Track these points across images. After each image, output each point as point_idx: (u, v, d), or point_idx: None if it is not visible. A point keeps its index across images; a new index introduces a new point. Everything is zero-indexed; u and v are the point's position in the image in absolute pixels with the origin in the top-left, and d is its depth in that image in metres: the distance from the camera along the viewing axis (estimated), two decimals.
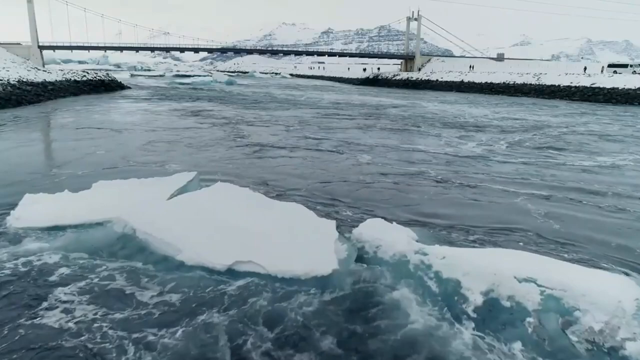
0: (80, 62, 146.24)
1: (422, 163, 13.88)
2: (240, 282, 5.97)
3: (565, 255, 6.89)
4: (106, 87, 47.66)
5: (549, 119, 28.01)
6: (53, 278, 6.39)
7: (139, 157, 14.24)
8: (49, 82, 39.29)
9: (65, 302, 5.76)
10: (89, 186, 8.87)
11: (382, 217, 7.55)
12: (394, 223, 7.22)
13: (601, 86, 43.59)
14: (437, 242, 6.81)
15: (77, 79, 45.00)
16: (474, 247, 6.81)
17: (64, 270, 6.56)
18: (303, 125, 22.70)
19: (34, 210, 8.13)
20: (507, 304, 5.15)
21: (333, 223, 6.71)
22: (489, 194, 10.54)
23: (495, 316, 5.14)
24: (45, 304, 5.70)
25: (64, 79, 42.87)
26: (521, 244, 7.37)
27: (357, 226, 7.12)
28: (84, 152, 14.93)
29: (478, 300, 5.32)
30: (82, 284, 6.24)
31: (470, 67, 68.25)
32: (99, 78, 48.56)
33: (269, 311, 5.27)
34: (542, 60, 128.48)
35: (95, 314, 5.35)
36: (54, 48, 63.26)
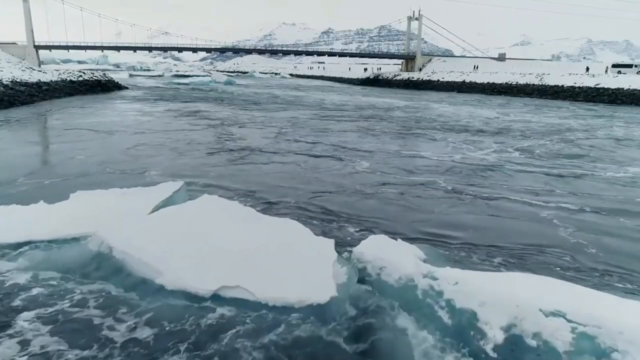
0: (79, 62, 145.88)
1: (429, 172, 12.80)
2: (226, 311, 5.27)
3: (600, 284, 6.09)
4: (103, 87, 46.91)
5: (561, 121, 26.96)
6: (18, 302, 5.72)
7: (123, 163, 13.48)
8: (44, 83, 38.55)
9: (25, 331, 5.11)
10: (67, 196, 8.19)
11: (386, 233, 6.84)
12: (399, 240, 6.53)
13: (605, 87, 42.87)
14: (448, 264, 6.10)
15: (73, 79, 44.26)
16: (491, 270, 6.05)
17: (31, 293, 5.90)
18: (300, 128, 21.81)
19: (5, 223, 7.44)
20: (533, 342, 4.43)
21: (331, 242, 6.00)
22: (508, 207, 9.51)
23: (519, 357, 4.43)
24: (3, 332, 5.05)
25: (59, 79, 42.14)
26: (547, 268, 6.54)
27: (357, 244, 6.41)
28: (67, 156, 14.21)
29: (498, 336, 4.59)
30: (48, 310, 5.56)
31: (474, 67, 67.35)
32: (95, 78, 47.82)
33: (255, 348, 4.57)
34: (544, 60, 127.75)
35: (55, 349, 4.67)
36: (50, 48, 62.48)
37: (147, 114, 26.77)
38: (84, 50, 71.81)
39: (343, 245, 6.72)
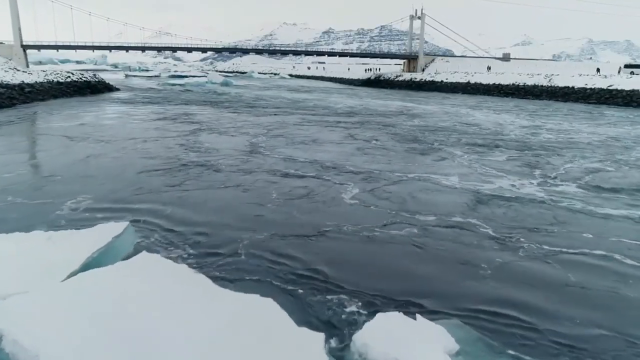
0: (77, 62, 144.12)
1: (454, 207, 9.46)
2: None
3: None
4: (92, 89, 44.90)
5: (599, 130, 22.77)
6: None
7: (64, 183, 11.04)
8: (27, 84, 36.55)
9: None
10: None
11: (400, 307, 4.83)
12: (419, 318, 4.51)
13: (619, 88, 40.77)
14: None
15: (60, 81, 42.26)
16: None
17: None
18: (283, 138, 18.94)
19: None
20: None
21: (319, 337, 3.98)
22: (594, 272, 6.48)
23: None
24: None
25: (45, 81, 40.11)
26: None
27: (359, 327, 4.40)
28: (2, 172, 12.00)
29: None
30: None
31: (487, 67, 64.68)
32: (84, 79, 45.82)
33: None
34: (549, 60, 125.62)
35: None
36: (38, 47, 60.36)
37: (126, 119, 24.87)
38: (74, 51, 69.77)
39: (338, 331, 4.67)
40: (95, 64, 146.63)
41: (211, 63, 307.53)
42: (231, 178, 11.76)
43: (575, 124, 25.51)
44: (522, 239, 7.71)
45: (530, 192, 10.84)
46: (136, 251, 6.81)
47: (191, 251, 6.76)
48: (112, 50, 75.66)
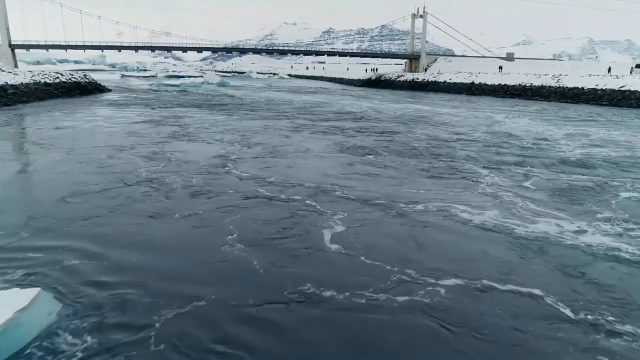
0: (76, 62, 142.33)
1: (491, 262, 6.96)
2: None
3: None
4: (82, 90, 43.16)
5: None
6: None
7: None
8: (11, 86, 34.78)
9: None
10: None
11: None
12: None
13: (632, 89, 38.86)
14: None
15: (48, 82, 40.48)
16: None
17: None
18: (265, 148, 16.43)
19: None
20: None
21: None
22: None
23: None
24: None
25: (32, 82, 38.35)
26: None
27: None
28: None
29: None
30: None
31: (499, 68, 61.99)
32: (74, 80, 44.04)
33: None
34: (552, 60, 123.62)
35: None
36: (27, 47, 58.42)
37: (106, 123, 23.10)
38: (65, 50, 67.94)
39: None
40: (94, 64, 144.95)
41: (211, 63, 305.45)
42: (187, 206, 9.36)
43: (620, 133, 21.67)
44: (621, 323, 5.20)
45: (602, 242, 7.76)
46: (56, 322, 5.00)
47: (107, 342, 4.78)
48: (105, 50, 73.75)
